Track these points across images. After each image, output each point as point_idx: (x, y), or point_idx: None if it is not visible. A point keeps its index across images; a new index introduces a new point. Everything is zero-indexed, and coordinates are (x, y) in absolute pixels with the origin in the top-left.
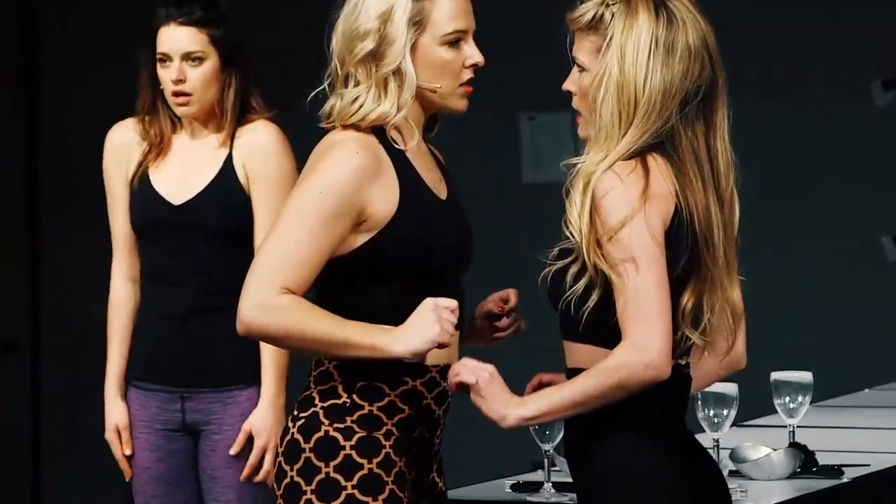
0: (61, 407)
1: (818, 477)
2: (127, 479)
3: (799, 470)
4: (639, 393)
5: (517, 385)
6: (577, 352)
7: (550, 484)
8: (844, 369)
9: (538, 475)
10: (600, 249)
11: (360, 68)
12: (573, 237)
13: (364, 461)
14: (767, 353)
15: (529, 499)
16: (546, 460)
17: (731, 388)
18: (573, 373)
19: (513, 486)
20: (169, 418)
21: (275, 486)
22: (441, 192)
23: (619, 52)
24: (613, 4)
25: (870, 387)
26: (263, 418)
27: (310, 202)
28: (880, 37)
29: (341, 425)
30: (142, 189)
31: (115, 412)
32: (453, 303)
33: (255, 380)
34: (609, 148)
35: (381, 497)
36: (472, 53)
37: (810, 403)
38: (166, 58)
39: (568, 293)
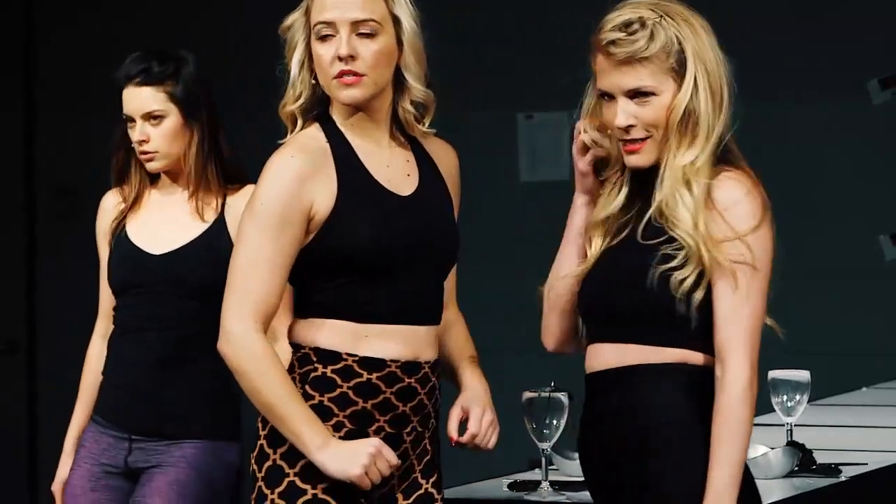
0: (58, 407)
1: (816, 475)
2: None
3: (796, 468)
4: (708, 394)
5: (518, 384)
6: (652, 353)
7: (548, 482)
8: (842, 368)
9: (536, 474)
10: (717, 249)
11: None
12: (683, 237)
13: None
14: (765, 352)
15: (527, 497)
16: (543, 459)
17: None
18: (631, 371)
19: (510, 485)
20: (114, 456)
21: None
22: (402, 188)
23: (698, 58)
24: (662, 18)
25: (867, 385)
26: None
27: (259, 215)
28: (878, 35)
29: None
30: (119, 245)
31: (68, 467)
32: (395, 460)
33: (206, 433)
34: (701, 147)
35: (320, 486)
36: (336, 46)
37: (808, 402)
38: (130, 119)
39: (678, 294)
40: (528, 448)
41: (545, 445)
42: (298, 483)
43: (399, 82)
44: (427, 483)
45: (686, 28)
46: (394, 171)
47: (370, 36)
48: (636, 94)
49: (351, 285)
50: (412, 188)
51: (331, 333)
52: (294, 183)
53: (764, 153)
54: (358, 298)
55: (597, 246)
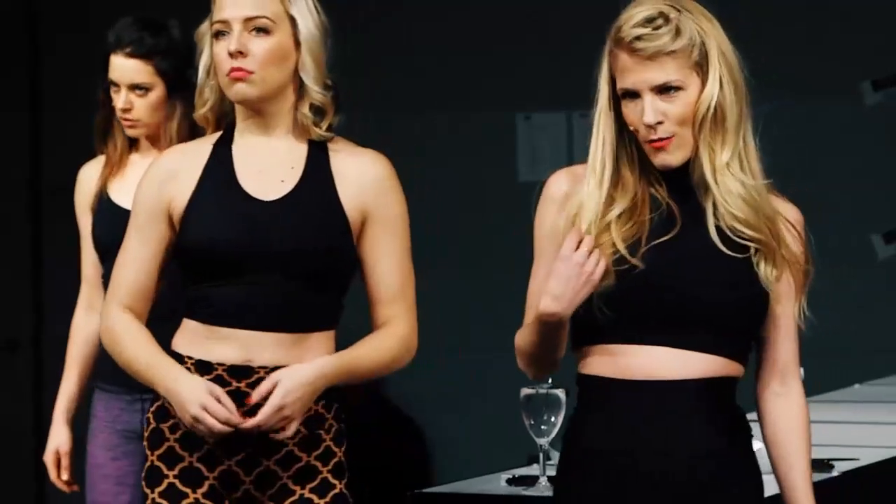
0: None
1: None
2: (67, 491)
3: None
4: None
5: (516, 381)
6: (732, 367)
7: (546, 478)
8: (835, 365)
9: (534, 469)
10: (787, 250)
11: None
12: (751, 234)
13: (150, 453)
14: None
15: (525, 492)
16: (541, 455)
17: None
18: (720, 383)
19: (509, 481)
20: (129, 420)
21: None
22: (268, 193)
23: (721, 52)
24: (681, 13)
25: (860, 382)
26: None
27: (132, 210)
28: (870, 37)
29: (148, 416)
30: (102, 207)
31: (59, 436)
32: (224, 414)
33: None
34: (734, 142)
35: (157, 490)
36: (228, 42)
37: None
38: (115, 84)
39: (774, 293)
40: (526, 444)
41: (543, 441)
42: (144, 487)
43: (300, 88)
44: (304, 489)
45: (706, 22)
46: (266, 175)
47: (263, 33)
48: (663, 90)
49: (199, 285)
50: (280, 194)
51: (183, 334)
52: (155, 181)
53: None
54: (202, 299)
55: (626, 239)
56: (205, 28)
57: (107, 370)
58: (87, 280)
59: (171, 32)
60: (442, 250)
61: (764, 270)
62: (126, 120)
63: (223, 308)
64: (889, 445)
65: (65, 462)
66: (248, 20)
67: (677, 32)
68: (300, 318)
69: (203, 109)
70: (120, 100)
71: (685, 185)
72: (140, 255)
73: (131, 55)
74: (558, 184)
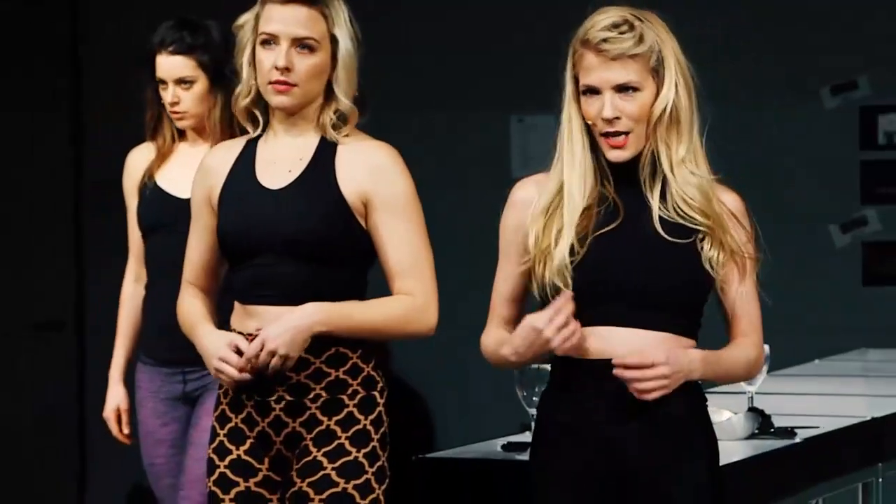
0: (105, 383)
1: (774, 438)
2: (128, 443)
3: (757, 431)
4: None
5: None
6: (685, 343)
7: None
8: (797, 342)
9: (526, 436)
10: (732, 239)
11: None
12: (702, 220)
13: (212, 415)
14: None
15: (518, 457)
16: (533, 423)
17: None
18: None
19: (503, 446)
20: (171, 389)
21: None
22: (275, 182)
23: (677, 60)
24: (643, 22)
25: (819, 358)
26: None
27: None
28: (830, 47)
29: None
30: (149, 190)
31: (117, 395)
32: (235, 360)
33: None
34: (689, 140)
35: (211, 447)
36: (276, 56)
37: (767, 372)
38: (162, 82)
39: (719, 277)
40: (519, 413)
41: (534, 411)
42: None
43: (330, 92)
44: (318, 452)
45: (664, 33)
46: (277, 166)
47: (307, 51)
48: (622, 89)
49: (233, 269)
50: (285, 183)
51: (234, 310)
52: (200, 175)
53: (729, 151)
54: (235, 279)
55: (579, 232)
56: (244, 23)
57: (149, 345)
58: (134, 254)
59: (209, 31)
60: (440, 242)
61: (708, 253)
62: (175, 113)
63: (246, 288)
64: (845, 415)
65: (125, 418)
66: (296, 39)
67: (640, 39)
68: (315, 295)
69: (245, 101)
70: (168, 95)
71: (631, 179)
72: (199, 241)
73: (174, 52)
74: (524, 190)
